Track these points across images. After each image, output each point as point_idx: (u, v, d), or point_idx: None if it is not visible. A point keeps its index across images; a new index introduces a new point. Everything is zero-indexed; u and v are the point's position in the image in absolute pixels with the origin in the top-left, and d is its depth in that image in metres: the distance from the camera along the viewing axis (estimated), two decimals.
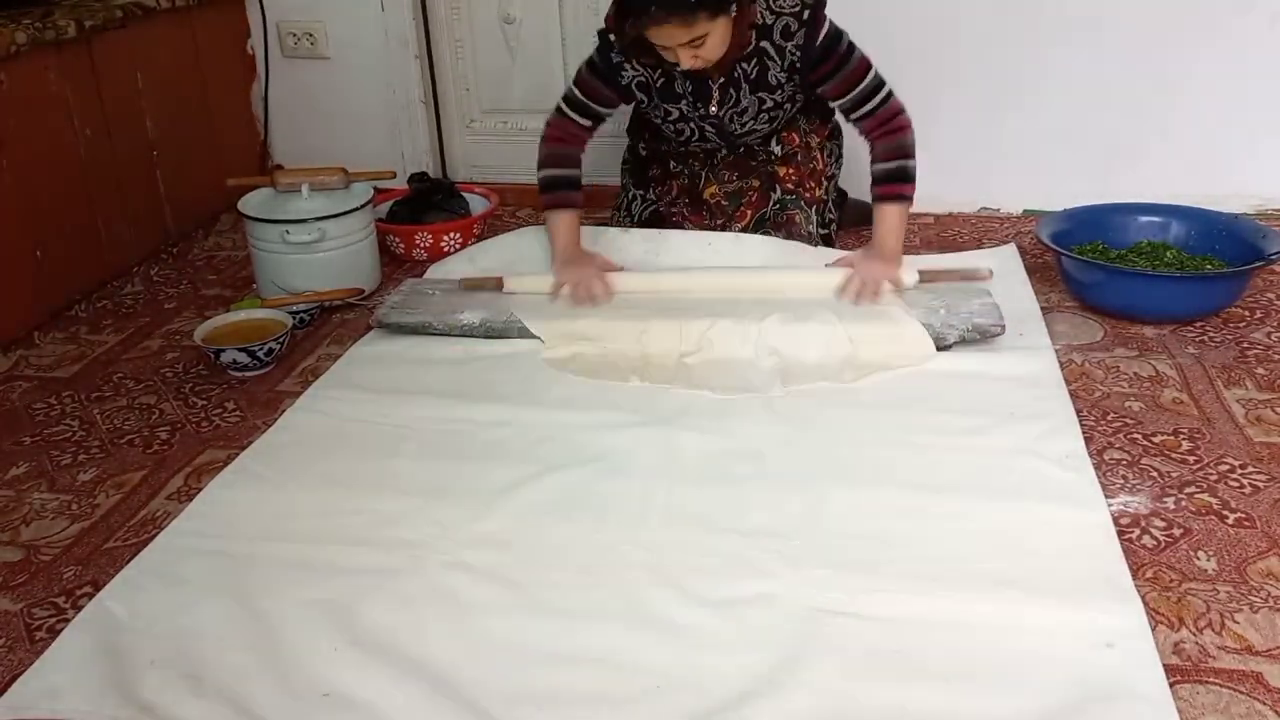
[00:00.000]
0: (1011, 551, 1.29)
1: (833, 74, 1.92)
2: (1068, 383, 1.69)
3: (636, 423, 1.60)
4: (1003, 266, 2.11)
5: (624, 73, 1.95)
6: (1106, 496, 1.40)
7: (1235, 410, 1.62)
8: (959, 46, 2.41)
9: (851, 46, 1.91)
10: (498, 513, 1.40)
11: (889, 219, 1.93)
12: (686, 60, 1.78)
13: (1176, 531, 1.34)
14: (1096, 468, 1.46)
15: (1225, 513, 1.38)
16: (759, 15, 1.87)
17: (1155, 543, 1.32)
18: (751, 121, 2.02)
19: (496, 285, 2.00)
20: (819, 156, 2.13)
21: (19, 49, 1.93)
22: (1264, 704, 1.08)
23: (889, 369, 1.72)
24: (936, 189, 2.48)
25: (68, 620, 1.24)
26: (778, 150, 2.11)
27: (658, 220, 2.16)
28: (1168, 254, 1.98)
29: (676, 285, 1.95)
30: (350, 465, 1.54)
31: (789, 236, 2.07)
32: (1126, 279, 1.90)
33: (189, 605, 1.26)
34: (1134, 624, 1.17)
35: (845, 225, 2.30)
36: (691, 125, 2.03)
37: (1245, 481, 1.44)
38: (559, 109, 2.03)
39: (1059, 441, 1.52)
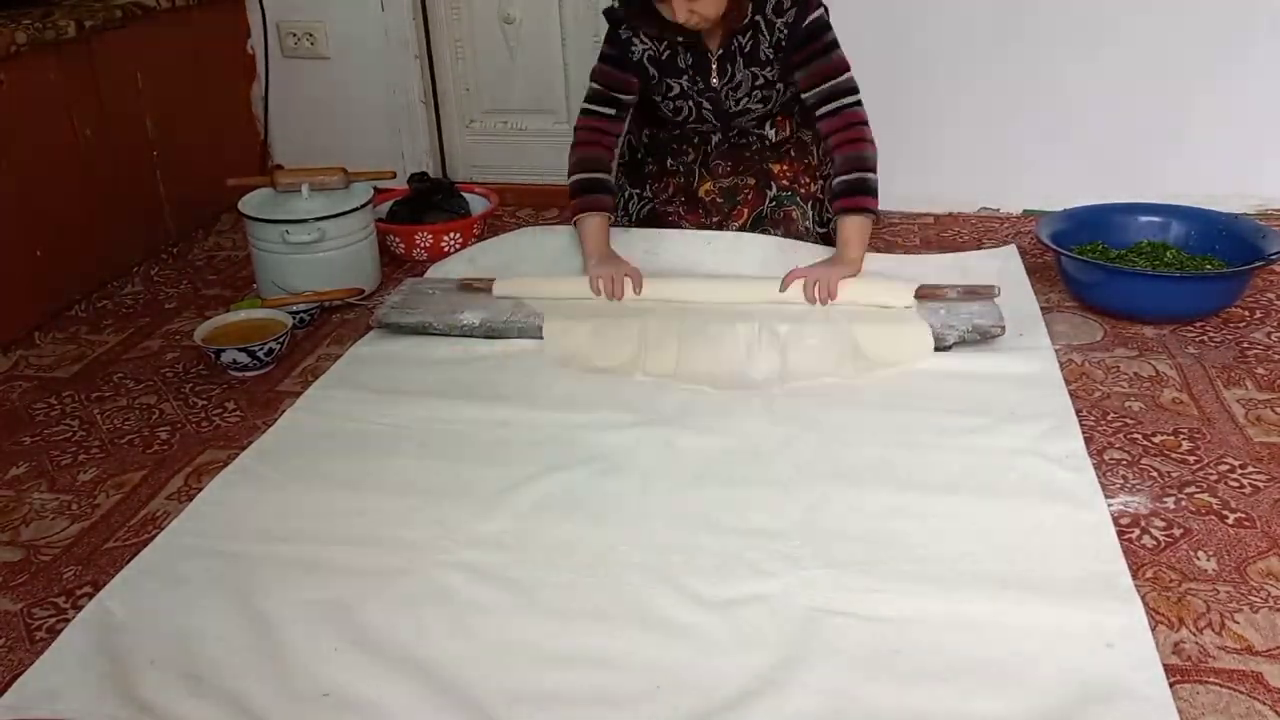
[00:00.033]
0: (1011, 551, 1.29)
1: (811, 60, 1.94)
2: (1068, 383, 1.69)
3: (636, 422, 1.60)
4: (1003, 266, 2.11)
5: (633, 48, 1.98)
6: (1106, 496, 1.40)
7: (1235, 410, 1.62)
8: (960, 47, 2.41)
9: (836, 44, 1.95)
10: (498, 513, 1.41)
11: (849, 229, 1.92)
12: (682, 12, 1.80)
13: (1176, 531, 1.34)
14: (1096, 468, 1.46)
15: (1225, 513, 1.38)
16: None
17: (1155, 543, 1.32)
18: (746, 98, 2.03)
19: (488, 288, 2.01)
20: (814, 152, 2.13)
21: (19, 49, 1.93)
22: (1264, 704, 1.08)
23: (890, 365, 1.73)
24: (936, 189, 2.49)
25: (68, 620, 1.24)
26: (771, 134, 2.11)
27: (655, 218, 2.16)
28: (1168, 254, 1.98)
29: (702, 295, 1.93)
30: (350, 465, 1.54)
31: (786, 233, 2.07)
32: (1126, 279, 1.90)
33: (189, 605, 1.26)
34: (1134, 624, 1.17)
35: None
36: (690, 103, 2.05)
37: (1245, 481, 1.44)
38: (583, 110, 2.06)
39: (1059, 441, 1.52)
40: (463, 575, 1.29)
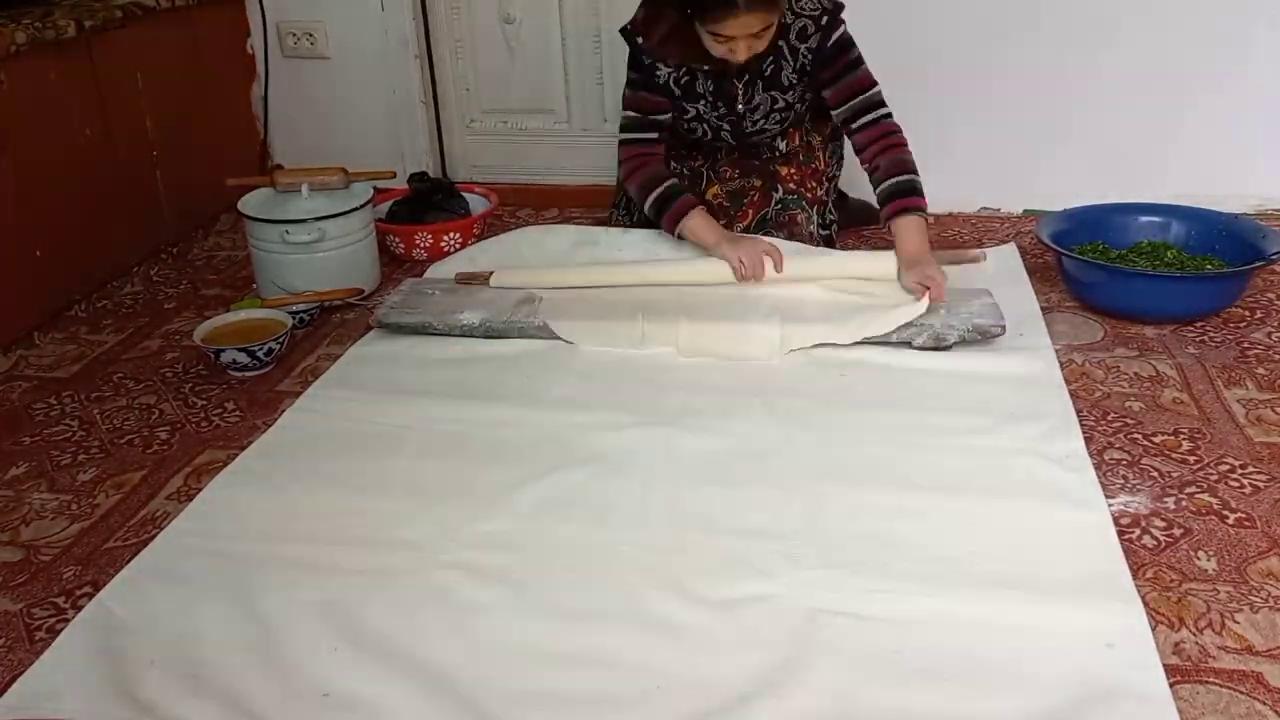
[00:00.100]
0: (1011, 551, 1.29)
1: (840, 77, 1.96)
2: (1068, 383, 1.69)
3: (636, 423, 1.60)
4: (1003, 266, 2.11)
5: (659, 71, 1.98)
6: (1107, 496, 1.40)
7: (1235, 410, 1.62)
8: (960, 47, 2.41)
9: (861, 58, 1.97)
10: (498, 513, 1.40)
11: (912, 226, 1.92)
12: (744, 52, 1.81)
13: (1177, 531, 1.34)
14: (1097, 468, 1.46)
15: (1225, 513, 1.38)
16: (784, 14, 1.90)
17: (1155, 543, 1.32)
18: (763, 120, 2.03)
19: (485, 281, 2.01)
20: (820, 157, 2.14)
21: (19, 49, 1.93)
22: (1264, 704, 1.08)
23: (886, 328, 1.77)
24: (936, 189, 2.47)
25: (68, 620, 1.24)
26: (781, 146, 2.12)
27: None
28: (1168, 254, 1.98)
29: (708, 277, 1.98)
30: (350, 465, 1.54)
31: (790, 236, 2.08)
32: (1126, 279, 1.90)
33: (189, 605, 1.26)
34: (1134, 624, 1.17)
35: (845, 225, 2.30)
36: (706, 125, 2.05)
37: (1245, 481, 1.44)
38: (623, 141, 2.05)
39: (1059, 441, 1.52)
40: (463, 575, 1.29)
